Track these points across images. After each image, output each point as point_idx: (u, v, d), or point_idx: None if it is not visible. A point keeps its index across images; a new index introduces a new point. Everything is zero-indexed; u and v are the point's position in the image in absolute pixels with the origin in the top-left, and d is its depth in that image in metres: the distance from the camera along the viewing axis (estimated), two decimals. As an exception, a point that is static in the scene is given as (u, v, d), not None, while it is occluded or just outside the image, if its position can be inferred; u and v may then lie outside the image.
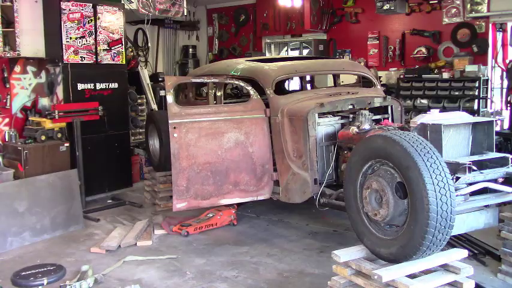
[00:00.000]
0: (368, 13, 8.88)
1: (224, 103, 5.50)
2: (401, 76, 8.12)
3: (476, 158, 3.72)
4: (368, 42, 8.91)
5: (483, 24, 7.66)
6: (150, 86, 8.31)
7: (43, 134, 6.08)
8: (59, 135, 6.22)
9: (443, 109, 7.30)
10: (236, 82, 5.24)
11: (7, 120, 6.30)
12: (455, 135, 3.81)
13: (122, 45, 6.94)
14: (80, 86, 6.48)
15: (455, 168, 3.47)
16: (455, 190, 3.21)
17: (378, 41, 8.81)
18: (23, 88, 6.46)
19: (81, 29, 6.41)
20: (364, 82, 5.97)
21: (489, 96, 7.65)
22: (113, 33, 6.80)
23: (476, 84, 7.39)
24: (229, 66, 5.62)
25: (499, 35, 7.57)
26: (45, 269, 4.33)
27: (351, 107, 4.87)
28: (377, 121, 4.90)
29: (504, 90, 7.56)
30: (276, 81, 5.07)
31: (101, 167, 6.65)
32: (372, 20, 8.85)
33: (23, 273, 4.23)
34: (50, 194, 5.44)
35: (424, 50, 8.19)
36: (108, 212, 6.26)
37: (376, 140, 3.47)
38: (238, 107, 5.04)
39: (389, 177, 3.30)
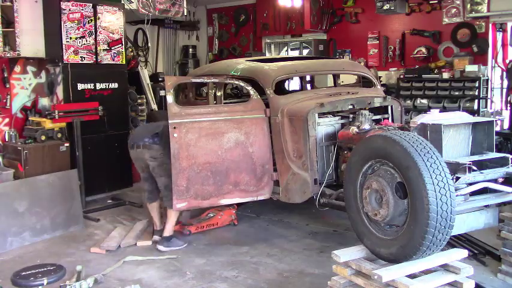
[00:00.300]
0: (368, 13, 8.87)
1: (224, 103, 5.49)
2: (401, 76, 8.12)
3: (476, 158, 3.72)
4: (368, 42, 8.90)
5: (483, 24, 7.65)
6: (150, 86, 8.30)
7: (43, 134, 6.08)
8: (59, 135, 6.22)
9: (444, 109, 7.29)
10: (236, 82, 5.24)
11: (7, 120, 6.30)
12: (455, 135, 3.81)
13: (122, 45, 6.94)
14: (80, 86, 6.48)
15: (455, 168, 3.48)
16: (455, 190, 3.21)
17: (378, 41, 8.80)
18: (23, 88, 6.45)
19: (81, 29, 6.41)
20: (364, 82, 5.97)
21: (489, 96, 7.64)
22: (113, 33, 6.79)
23: (476, 84, 7.38)
24: (229, 66, 5.62)
25: (499, 35, 7.57)
26: (45, 269, 4.33)
27: (351, 107, 4.87)
28: (377, 121, 4.90)
29: (504, 90, 7.55)
30: (276, 81, 5.07)
31: (101, 167, 6.65)
32: (372, 20, 8.84)
33: (23, 273, 4.23)
34: (50, 194, 5.44)
35: (424, 50, 8.18)
36: (108, 212, 6.26)
37: (376, 140, 3.47)
38: (238, 107, 5.04)
39: (390, 177, 3.30)
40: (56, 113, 6.09)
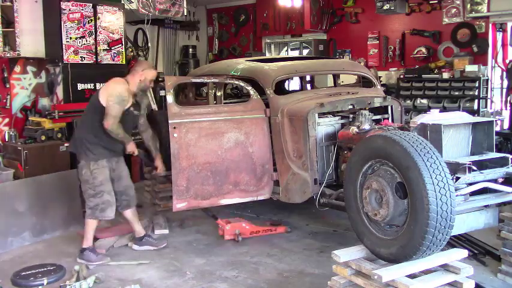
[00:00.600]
0: (368, 13, 8.87)
1: (224, 103, 5.50)
2: (401, 76, 8.11)
3: (476, 158, 3.72)
4: (368, 42, 8.90)
5: (483, 24, 7.65)
6: (150, 86, 8.29)
7: (43, 134, 6.07)
8: (59, 135, 6.21)
9: (444, 109, 7.29)
10: (236, 82, 5.24)
11: (7, 120, 6.30)
12: (455, 135, 3.81)
13: (122, 45, 6.95)
14: (80, 86, 6.49)
15: (455, 168, 3.47)
16: (455, 190, 3.21)
17: (378, 41, 8.80)
18: (23, 88, 6.46)
19: (81, 29, 6.41)
20: (364, 82, 5.97)
21: (489, 96, 7.64)
22: (113, 33, 6.80)
23: (476, 84, 7.38)
24: (229, 66, 5.62)
25: (499, 35, 7.57)
26: (45, 269, 4.33)
27: (351, 107, 4.87)
28: (377, 121, 4.90)
29: (504, 90, 7.56)
30: (276, 81, 5.07)
31: (101, 167, 6.64)
32: (372, 20, 8.84)
33: (23, 273, 4.23)
34: (50, 194, 5.44)
35: (424, 50, 8.18)
36: (108, 212, 6.25)
37: (376, 140, 3.47)
38: (238, 107, 5.04)
39: (389, 177, 3.30)
40: (56, 113, 6.10)
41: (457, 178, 3.43)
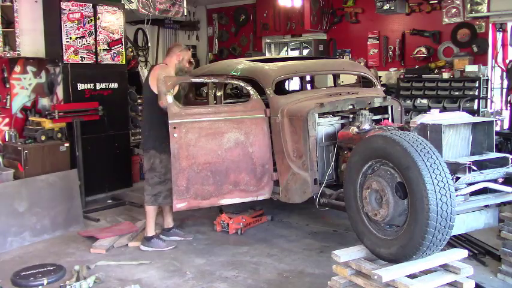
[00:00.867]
0: (368, 13, 8.87)
1: (224, 103, 5.49)
2: (401, 76, 8.11)
3: (476, 158, 3.72)
4: (368, 42, 8.90)
5: (483, 24, 7.65)
6: (150, 86, 8.29)
7: (43, 134, 6.08)
8: (59, 135, 6.22)
9: (444, 109, 7.29)
10: (236, 82, 5.24)
11: (7, 120, 6.29)
12: (455, 135, 3.81)
13: (122, 45, 6.94)
14: (80, 86, 6.48)
15: (455, 168, 3.47)
16: (455, 190, 3.21)
17: (378, 41, 8.80)
18: (23, 88, 6.45)
19: (81, 29, 6.41)
20: (364, 82, 5.97)
21: (489, 96, 7.64)
22: (113, 33, 6.80)
23: (476, 84, 7.38)
24: (229, 66, 5.62)
25: (499, 35, 7.57)
26: (45, 269, 4.34)
27: (351, 107, 4.86)
28: (377, 121, 4.90)
29: (504, 90, 7.56)
30: (276, 81, 5.07)
31: (101, 167, 6.65)
32: (372, 20, 8.84)
33: (23, 273, 4.24)
34: (50, 194, 5.45)
35: (424, 50, 8.18)
36: (108, 212, 6.27)
37: (376, 140, 3.47)
38: (238, 107, 5.04)
39: (390, 177, 3.30)
40: (56, 113, 6.09)
41: (457, 178, 3.43)
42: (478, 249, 4.53)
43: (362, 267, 3.28)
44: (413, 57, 8.32)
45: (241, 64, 5.51)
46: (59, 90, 6.43)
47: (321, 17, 9.24)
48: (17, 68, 6.37)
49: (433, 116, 3.87)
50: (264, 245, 5.01)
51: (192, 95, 6.19)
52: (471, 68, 7.44)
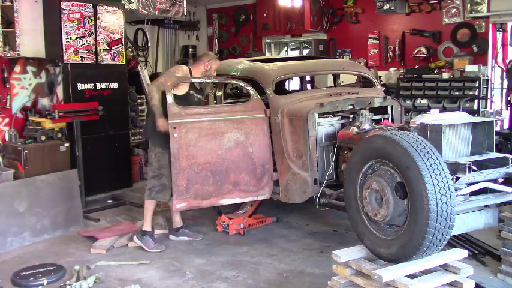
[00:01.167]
0: (368, 13, 8.87)
1: (224, 103, 5.49)
2: (401, 76, 8.11)
3: (476, 158, 3.72)
4: (368, 42, 8.89)
5: (483, 24, 7.65)
6: (150, 86, 8.30)
7: (43, 134, 6.08)
8: (59, 135, 6.22)
9: (444, 109, 7.28)
10: (236, 82, 5.24)
11: (7, 120, 6.29)
12: (455, 135, 3.81)
13: (122, 45, 6.94)
14: (80, 86, 6.48)
15: (455, 168, 3.47)
16: (455, 190, 3.21)
17: (378, 41, 8.80)
18: (23, 88, 6.45)
19: (81, 29, 6.41)
20: (364, 82, 5.97)
21: (489, 96, 7.64)
22: (113, 33, 6.79)
23: (476, 84, 7.37)
24: (229, 66, 5.62)
25: (499, 35, 7.56)
26: (45, 269, 4.34)
27: (351, 107, 4.87)
28: (377, 121, 4.90)
29: (504, 90, 7.55)
30: (276, 81, 5.07)
31: (101, 167, 6.65)
32: (372, 20, 8.84)
33: (23, 273, 4.24)
34: (50, 194, 5.45)
35: (424, 50, 8.18)
36: (108, 212, 6.27)
37: (376, 140, 3.47)
38: (238, 107, 5.04)
39: (390, 177, 3.30)
40: (56, 113, 6.09)
41: (457, 178, 3.43)
42: (478, 249, 4.53)
43: (362, 267, 3.28)
44: (413, 57, 8.31)
45: (241, 64, 5.51)
46: (59, 90, 6.43)
47: (321, 17, 9.24)
48: (17, 68, 6.38)
49: (433, 116, 3.87)
50: (264, 245, 5.01)
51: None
52: (471, 68, 7.43)
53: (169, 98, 4.64)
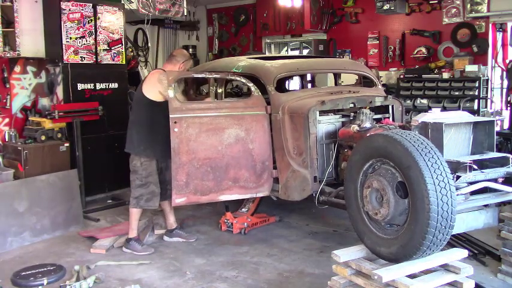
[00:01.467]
0: (368, 13, 8.87)
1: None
2: (402, 76, 8.11)
3: (477, 157, 3.72)
4: (368, 42, 8.90)
5: (483, 24, 7.65)
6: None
7: (43, 134, 6.07)
8: (59, 135, 6.21)
9: (444, 109, 7.27)
10: (238, 78, 5.23)
11: (7, 120, 6.28)
12: (456, 134, 3.81)
13: (122, 45, 6.93)
14: (80, 86, 6.47)
15: (456, 167, 3.47)
16: (456, 189, 3.21)
17: (378, 41, 8.80)
18: (23, 88, 6.44)
19: (81, 29, 6.40)
20: (365, 82, 5.96)
21: (489, 96, 7.64)
22: (113, 33, 6.79)
23: (476, 84, 7.37)
24: (230, 63, 5.62)
25: (499, 35, 7.56)
26: (45, 269, 4.34)
27: (352, 105, 4.86)
28: (378, 120, 4.89)
29: (504, 90, 7.55)
30: (277, 79, 5.06)
31: (101, 167, 6.64)
32: (372, 20, 8.84)
33: (23, 273, 4.23)
34: (50, 194, 5.44)
35: (424, 50, 8.18)
36: (108, 212, 6.26)
37: (377, 138, 3.47)
38: (239, 103, 5.04)
39: (390, 177, 3.29)
40: (56, 113, 6.08)
41: (458, 177, 3.43)
42: (478, 249, 4.53)
43: (362, 267, 3.27)
44: (413, 57, 8.31)
45: (243, 61, 5.50)
46: (59, 90, 6.42)
47: (321, 17, 9.24)
48: (17, 68, 6.37)
49: (434, 115, 3.87)
50: (264, 245, 5.01)
51: (193, 92, 6.19)
52: (471, 68, 7.43)
53: (171, 93, 4.62)
